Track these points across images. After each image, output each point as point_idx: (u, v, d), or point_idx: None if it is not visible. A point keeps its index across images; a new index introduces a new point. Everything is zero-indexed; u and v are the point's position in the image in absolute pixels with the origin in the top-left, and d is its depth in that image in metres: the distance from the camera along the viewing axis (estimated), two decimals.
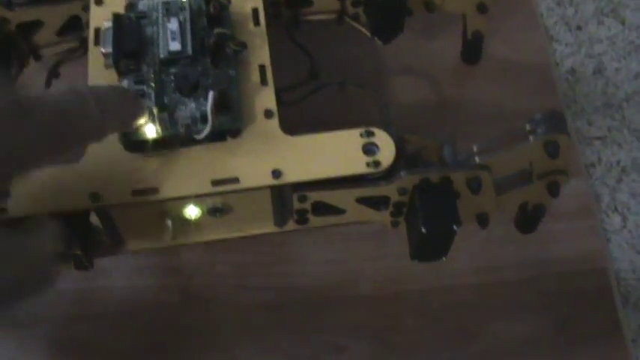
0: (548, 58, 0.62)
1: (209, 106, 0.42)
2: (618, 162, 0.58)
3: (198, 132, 0.42)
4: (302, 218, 0.45)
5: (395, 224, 0.46)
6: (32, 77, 0.52)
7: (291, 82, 0.49)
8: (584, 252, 0.54)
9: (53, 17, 0.50)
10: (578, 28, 0.64)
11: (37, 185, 0.42)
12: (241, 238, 0.48)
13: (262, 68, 0.46)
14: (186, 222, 0.45)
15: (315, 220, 0.45)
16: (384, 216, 0.45)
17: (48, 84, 0.50)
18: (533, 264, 0.53)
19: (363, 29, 0.53)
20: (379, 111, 0.48)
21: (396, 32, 0.52)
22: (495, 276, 0.53)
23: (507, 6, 0.62)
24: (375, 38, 0.52)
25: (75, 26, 0.51)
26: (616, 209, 0.57)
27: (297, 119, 0.46)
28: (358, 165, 0.43)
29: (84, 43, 0.51)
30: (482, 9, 0.54)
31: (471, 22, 0.56)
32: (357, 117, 0.46)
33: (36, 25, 0.50)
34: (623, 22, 0.64)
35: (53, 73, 0.51)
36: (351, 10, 0.52)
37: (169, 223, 0.44)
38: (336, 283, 0.53)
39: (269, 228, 0.46)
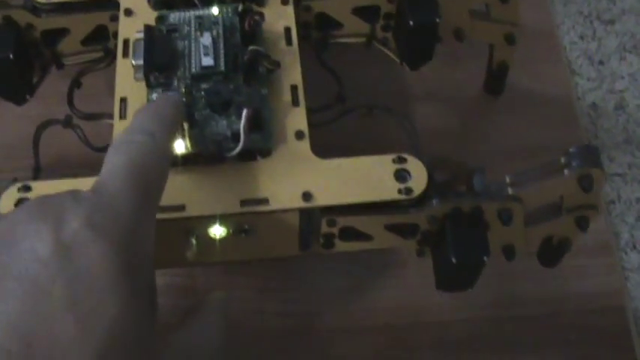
0: (570, 92, 0.62)
1: (242, 125, 0.41)
2: (638, 200, 0.58)
3: (229, 150, 0.41)
4: (328, 242, 0.44)
5: (420, 253, 0.45)
6: (53, 85, 0.51)
7: (318, 104, 0.48)
8: (603, 289, 0.53)
9: (79, 26, 0.49)
10: (601, 62, 0.64)
11: None
12: (261, 261, 0.47)
13: (294, 88, 0.45)
14: (209, 241, 0.44)
15: (341, 245, 0.45)
16: (410, 244, 0.45)
17: (70, 94, 0.49)
18: (552, 300, 0.53)
19: (392, 54, 0.52)
20: (407, 137, 0.48)
21: (425, 59, 0.51)
22: (512, 310, 0.52)
23: (531, 38, 0.61)
24: (404, 64, 0.52)
25: (100, 36, 0.50)
26: (634, 247, 0.56)
27: (323, 141, 0.45)
28: (390, 191, 0.42)
29: (109, 53, 0.50)
30: (510, 40, 0.54)
31: (498, 53, 0.55)
32: (384, 140, 0.45)
33: (61, 32, 0.49)
34: None
35: (76, 83, 0.50)
36: (380, 34, 0.52)
37: (193, 241, 0.43)
38: (354, 312, 0.52)
39: (293, 251, 0.45)
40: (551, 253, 0.48)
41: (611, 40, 0.65)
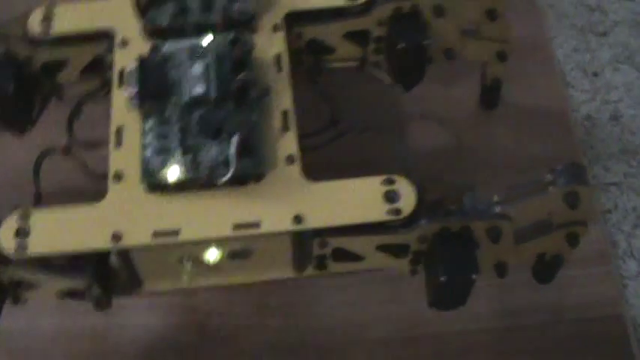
0: (564, 104, 0.62)
1: (232, 151, 0.42)
2: (634, 208, 0.58)
3: (221, 176, 0.43)
4: (321, 264, 0.45)
5: (413, 272, 0.46)
6: (54, 112, 0.52)
7: (313, 128, 0.49)
8: (601, 298, 0.54)
9: (78, 57, 0.51)
10: (595, 74, 0.64)
11: (59, 223, 0.43)
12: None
13: (285, 114, 0.46)
14: (206, 264, 0.45)
15: (334, 266, 0.46)
16: (402, 263, 0.45)
17: (70, 123, 0.51)
18: (550, 309, 0.53)
19: (385, 77, 0.53)
20: (399, 158, 0.49)
21: (418, 80, 0.52)
22: (512, 321, 0.53)
23: (524, 52, 0.62)
24: (397, 86, 0.53)
25: (98, 66, 0.51)
26: (632, 255, 0.57)
27: (318, 163, 0.46)
28: (379, 212, 0.43)
29: (107, 83, 0.51)
30: (501, 57, 0.54)
31: (490, 69, 0.56)
32: (378, 161, 0.46)
33: (60, 64, 0.51)
34: (638, 69, 0.64)
35: (76, 113, 0.51)
36: (372, 57, 0.53)
37: (188, 265, 0.45)
38: (353, 326, 0.53)
39: (288, 273, 0.46)
40: (545, 269, 0.48)
41: (604, 52, 0.65)
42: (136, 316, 0.53)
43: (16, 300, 0.45)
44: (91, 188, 0.45)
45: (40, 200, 0.48)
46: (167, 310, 0.53)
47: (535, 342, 0.52)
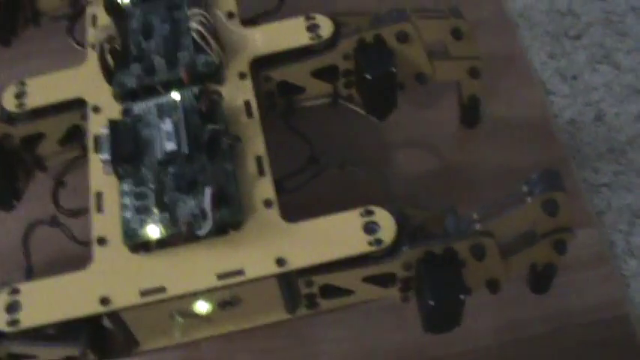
0: (546, 112, 0.62)
1: (207, 203, 0.42)
2: (629, 206, 0.58)
3: (200, 228, 0.43)
4: (311, 303, 0.45)
5: (405, 299, 0.46)
6: (39, 188, 0.53)
7: (292, 169, 0.49)
8: (604, 300, 0.54)
9: (54, 128, 0.51)
10: (574, 78, 0.64)
11: (48, 294, 0.43)
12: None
13: (259, 159, 0.46)
14: (198, 317, 0.45)
15: (325, 304, 0.46)
16: (392, 292, 0.46)
17: (55, 194, 0.51)
18: (553, 318, 0.53)
19: (358, 109, 0.53)
20: (383, 187, 0.49)
21: (391, 108, 0.52)
22: (516, 334, 0.53)
23: (500, 65, 0.62)
24: (371, 117, 0.53)
25: (77, 135, 0.52)
26: (632, 253, 0.56)
27: (299, 203, 0.46)
28: (360, 245, 0.43)
29: (86, 151, 0.52)
30: (474, 74, 0.54)
31: (465, 88, 0.56)
32: (360, 195, 0.46)
33: (38, 137, 0.52)
34: (617, 67, 0.64)
35: (59, 183, 0.52)
36: (344, 92, 0.53)
37: (179, 319, 0.45)
38: None
39: (281, 315, 0.47)
40: (539, 280, 0.48)
41: (580, 55, 0.65)
42: None
43: None
44: (82, 255, 0.46)
45: (31, 272, 0.49)
46: None
47: (541, 353, 0.52)
